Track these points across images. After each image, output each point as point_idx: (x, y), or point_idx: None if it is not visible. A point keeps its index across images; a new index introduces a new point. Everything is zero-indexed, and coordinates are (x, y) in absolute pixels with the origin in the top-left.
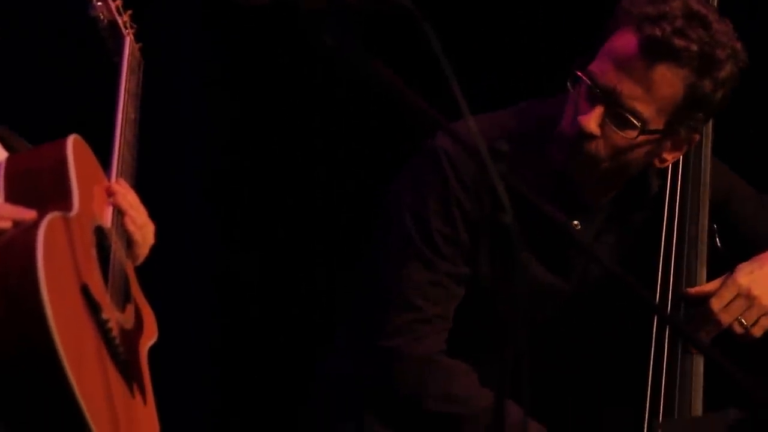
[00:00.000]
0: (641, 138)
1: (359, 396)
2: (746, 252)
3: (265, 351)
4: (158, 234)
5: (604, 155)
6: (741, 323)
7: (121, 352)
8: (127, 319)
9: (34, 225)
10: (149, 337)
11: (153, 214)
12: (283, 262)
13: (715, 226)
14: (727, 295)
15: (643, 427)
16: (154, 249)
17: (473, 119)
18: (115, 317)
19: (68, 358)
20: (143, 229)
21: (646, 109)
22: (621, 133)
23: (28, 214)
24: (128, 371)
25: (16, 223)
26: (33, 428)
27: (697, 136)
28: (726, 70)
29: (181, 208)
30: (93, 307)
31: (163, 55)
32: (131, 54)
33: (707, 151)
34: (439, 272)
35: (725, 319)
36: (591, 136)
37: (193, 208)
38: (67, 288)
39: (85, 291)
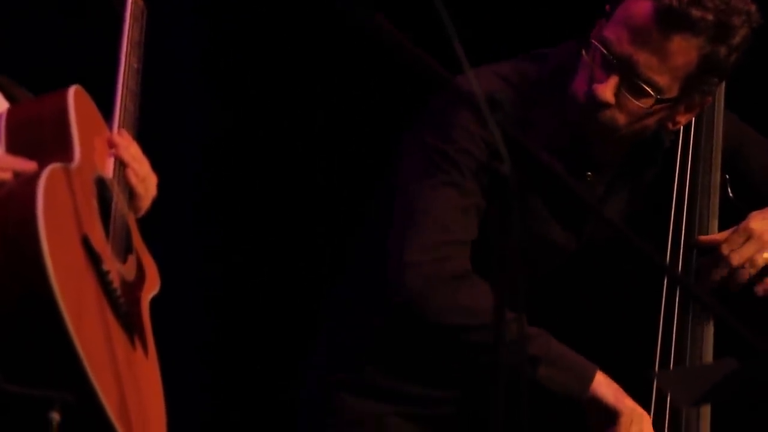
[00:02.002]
0: (656, 106)
1: (359, 349)
2: (758, 203)
3: (262, 347)
4: (154, 230)
5: (620, 123)
6: (753, 263)
7: (122, 304)
8: (129, 271)
9: (35, 176)
10: (151, 289)
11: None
12: (278, 258)
13: (727, 176)
14: (739, 239)
15: (652, 387)
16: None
17: (479, 71)
18: (116, 269)
19: (68, 309)
20: (145, 182)
21: (661, 79)
22: (636, 102)
23: (29, 165)
24: (129, 323)
25: (17, 174)
26: (33, 379)
27: (711, 99)
28: (740, 35)
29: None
30: (93, 258)
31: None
32: (134, 2)
33: (720, 103)
34: (469, 199)
35: (735, 260)
36: (606, 105)
37: (188, 205)
38: (67, 239)
39: (86, 242)
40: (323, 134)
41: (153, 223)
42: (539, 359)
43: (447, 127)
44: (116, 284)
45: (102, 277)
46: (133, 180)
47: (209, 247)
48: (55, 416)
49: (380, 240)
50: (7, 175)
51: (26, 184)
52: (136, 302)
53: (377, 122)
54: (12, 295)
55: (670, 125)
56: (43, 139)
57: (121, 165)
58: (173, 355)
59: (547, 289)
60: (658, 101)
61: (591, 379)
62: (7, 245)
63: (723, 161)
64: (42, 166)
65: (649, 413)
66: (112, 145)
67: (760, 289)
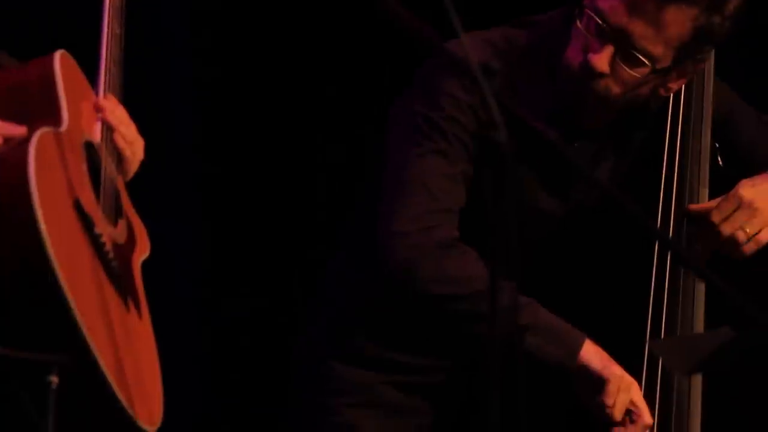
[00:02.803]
0: (651, 75)
1: (349, 318)
2: (746, 171)
3: (256, 316)
4: (143, 195)
5: (614, 92)
6: (744, 231)
7: (114, 267)
8: (120, 234)
9: (25, 141)
10: (142, 252)
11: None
12: (271, 219)
13: (717, 145)
14: (729, 207)
15: (644, 351)
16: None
17: (469, 36)
18: (107, 232)
19: (64, 272)
20: (133, 145)
21: (656, 49)
22: (631, 72)
23: (18, 131)
24: (122, 285)
25: (6, 140)
26: (30, 343)
27: (703, 65)
28: (734, 4)
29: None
30: (86, 222)
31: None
32: None
33: (710, 71)
34: (456, 167)
35: (726, 229)
36: (601, 75)
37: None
38: (59, 203)
39: (78, 206)
40: (318, 104)
41: (142, 188)
42: (527, 328)
43: (434, 95)
44: (108, 247)
45: (94, 241)
46: (121, 143)
47: (199, 210)
48: (54, 379)
49: (371, 210)
50: None
51: (17, 149)
52: (128, 265)
53: (372, 96)
54: (6, 261)
55: (662, 91)
56: (31, 104)
57: (108, 129)
58: (167, 324)
59: (536, 257)
60: (653, 71)
61: (579, 347)
62: (0, 211)
63: (713, 129)
64: (31, 130)
65: (640, 380)
66: (98, 109)
67: (756, 244)
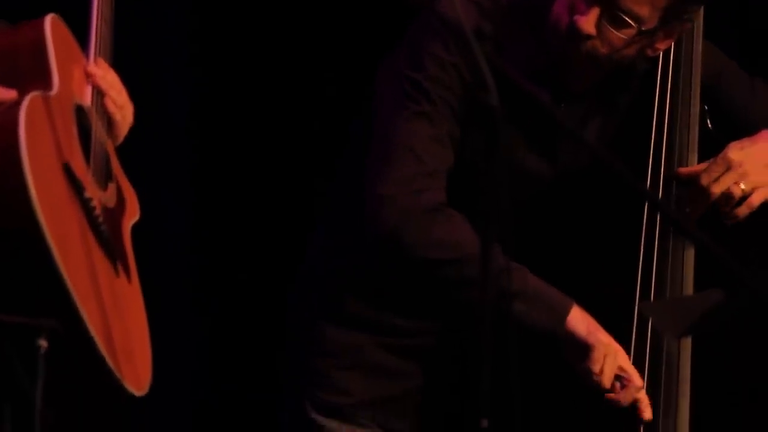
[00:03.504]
0: (637, 36)
1: (339, 281)
2: (736, 134)
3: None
4: (134, 159)
5: (601, 53)
6: (739, 187)
7: (104, 231)
8: (109, 198)
9: (15, 104)
10: (131, 216)
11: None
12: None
13: (706, 107)
14: (718, 169)
15: (633, 314)
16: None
17: None
18: (97, 196)
19: (54, 237)
20: (123, 110)
21: (642, 9)
22: (618, 33)
23: (8, 94)
24: (112, 250)
25: None
26: (20, 307)
27: (691, 25)
28: None
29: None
30: (76, 186)
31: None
32: None
33: (699, 32)
34: (442, 128)
35: (715, 190)
36: (588, 37)
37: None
38: (50, 168)
39: (68, 170)
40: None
41: (133, 151)
42: (516, 294)
43: (418, 55)
44: (98, 211)
45: (84, 205)
46: (112, 108)
47: (189, 176)
48: (43, 343)
49: (359, 173)
50: None
51: (7, 112)
52: (118, 229)
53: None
54: None
55: (649, 52)
56: (21, 68)
57: (98, 93)
58: (157, 289)
59: (525, 219)
60: (639, 32)
61: (566, 314)
62: None
63: (702, 92)
64: (21, 95)
65: (630, 344)
66: (89, 74)
67: (728, 221)
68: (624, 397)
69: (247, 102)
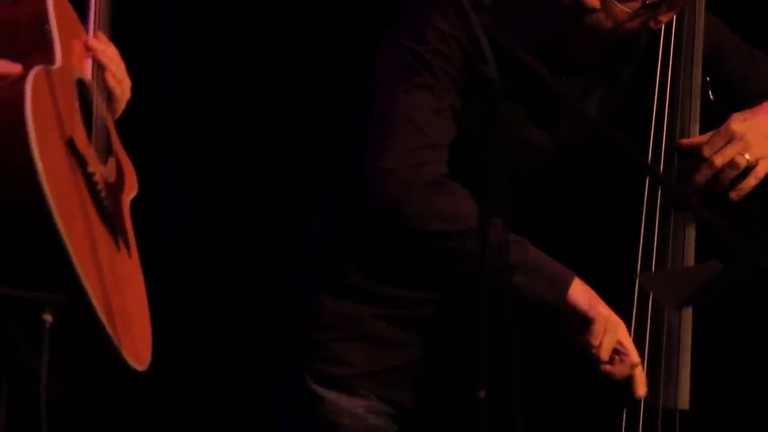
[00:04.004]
0: (641, 9)
1: (339, 253)
2: (738, 105)
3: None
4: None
5: (605, 26)
6: (744, 157)
7: (106, 205)
8: (110, 172)
9: (20, 78)
10: (130, 190)
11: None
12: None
13: (708, 79)
14: (720, 141)
15: (634, 287)
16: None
17: None
18: (99, 170)
19: (59, 211)
20: (122, 84)
21: None
22: (622, 6)
23: (13, 68)
24: (113, 224)
25: (1, 77)
26: (25, 282)
27: None
28: None
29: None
30: (79, 160)
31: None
32: None
33: (701, 3)
34: (443, 101)
35: (717, 161)
36: (592, 10)
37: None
38: (54, 142)
39: (71, 145)
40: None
41: (133, 137)
42: (516, 267)
43: (419, 28)
44: (100, 186)
45: (88, 179)
46: (112, 82)
47: (188, 152)
48: (48, 318)
49: (360, 146)
50: None
51: (12, 86)
52: (118, 203)
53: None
54: (1, 199)
55: (652, 24)
56: (23, 41)
57: (99, 67)
58: (156, 265)
59: (526, 192)
60: (643, 5)
61: (567, 286)
62: None
63: (704, 64)
64: (25, 68)
65: (630, 316)
66: (89, 48)
67: (734, 194)
68: (619, 370)
69: (248, 87)
